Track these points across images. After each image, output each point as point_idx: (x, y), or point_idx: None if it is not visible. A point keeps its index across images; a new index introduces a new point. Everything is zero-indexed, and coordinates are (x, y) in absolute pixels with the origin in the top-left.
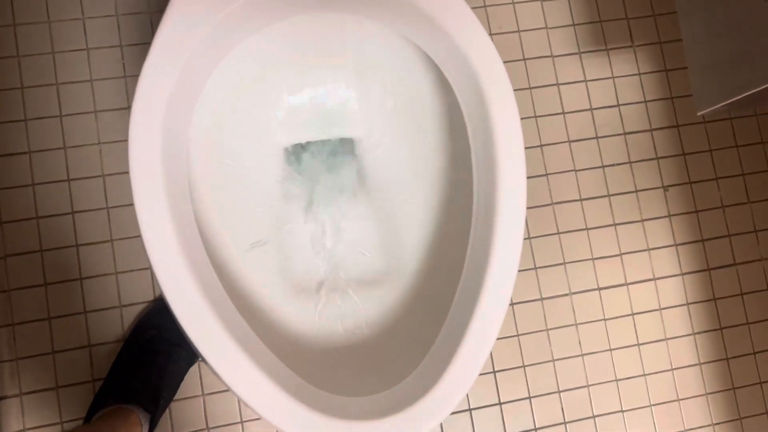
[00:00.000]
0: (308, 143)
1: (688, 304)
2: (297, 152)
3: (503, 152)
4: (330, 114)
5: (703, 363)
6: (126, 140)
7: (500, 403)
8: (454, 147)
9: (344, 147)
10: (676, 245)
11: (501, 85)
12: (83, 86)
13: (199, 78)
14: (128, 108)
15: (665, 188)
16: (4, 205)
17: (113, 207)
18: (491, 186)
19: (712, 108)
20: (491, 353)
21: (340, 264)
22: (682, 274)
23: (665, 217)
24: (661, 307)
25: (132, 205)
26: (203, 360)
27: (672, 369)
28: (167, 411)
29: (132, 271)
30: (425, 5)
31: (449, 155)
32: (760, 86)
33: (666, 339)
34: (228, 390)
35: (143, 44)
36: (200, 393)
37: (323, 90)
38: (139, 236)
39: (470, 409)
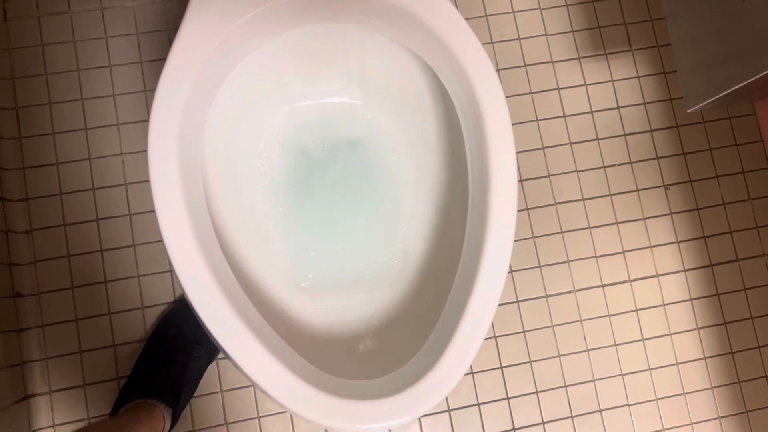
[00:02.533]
0: (316, 147)
1: (691, 299)
2: (305, 155)
3: (495, 152)
4: (336, 117)
5: (707, 357)
6: (146, 150)
7: (508, 398)
8: (452, 147)
9: (350, 149)
10: (678, 242)
11: (491, 86)
12: (106, 101)
13: (212, 87)
14: (148, 120)
15: (666, 187)
16: (33, 213)
17: (135, 214)
18: (485, 184)
19: (699, 105)
20: (498, 349)
21: (346, 259)
22: (685, 270)
23: (667, 214)
24: (665, 302)
25: (153, 211)
26: (218, 345)
27: (677, 363)
28: (188, 407)
29: (153, 274)
30: (420, 14)
31: (448, 155)
32: (743, 82)
33: (670, 334)
34: (245, 387)
35: (162, 60)
36: (219, 389)
37: (329, 94)
38: (159, 241)
39: (479, 404)
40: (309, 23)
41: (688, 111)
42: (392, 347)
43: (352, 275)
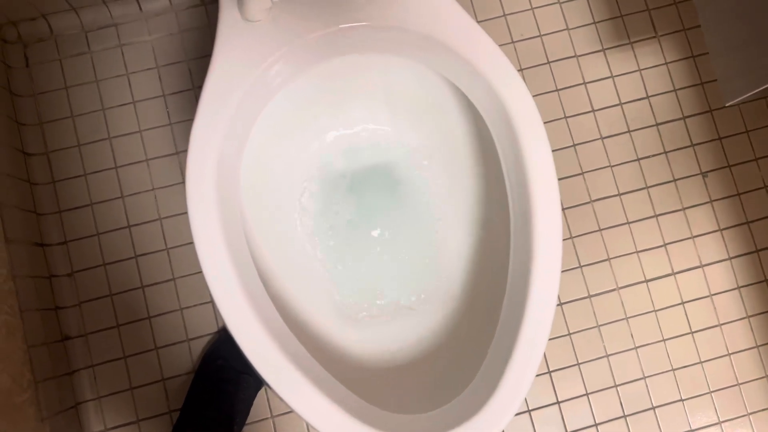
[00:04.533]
0: (349, 174)
1: (739, 287)
2: (339, 184)
3: (534, 174)
4: (367, 145)
5: (760, 345)
6: (177, 184)
7: (558, 402)
8: (487, 167)
9: (384, 175)
10: (721, 230)
11: (528, 111)
12: (133, 137)
13: (245, 128)
14: (176, 153)
15: (704, 174)
16: (74, 256)
17: (172, 247)
18: (526, 204)
19: (740, 98)
20: (545, 354)
21: (388, 288)
22: (730, 258)
23: (707, 203)
24: (711, 293)
25: (189, 243)
26: (271, 388)
27: (729, 354)
28: None
29: (195, 305)
30: (445, 39)
31: (484, 175)
32: None
33: (720, 324)
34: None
35: (184, 91)
36: (269, 415)
37: (358, 123)
38: (198, 272)
39: (529, 410)
40: (335, 57)
41: (727, 105)
42: (445, 377)
43: (396, 303)
